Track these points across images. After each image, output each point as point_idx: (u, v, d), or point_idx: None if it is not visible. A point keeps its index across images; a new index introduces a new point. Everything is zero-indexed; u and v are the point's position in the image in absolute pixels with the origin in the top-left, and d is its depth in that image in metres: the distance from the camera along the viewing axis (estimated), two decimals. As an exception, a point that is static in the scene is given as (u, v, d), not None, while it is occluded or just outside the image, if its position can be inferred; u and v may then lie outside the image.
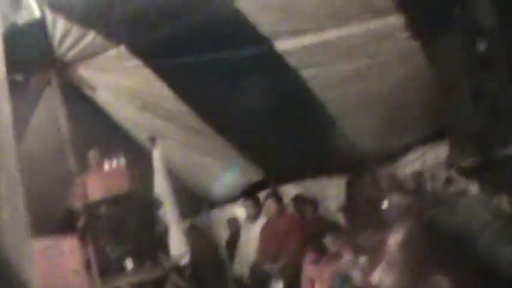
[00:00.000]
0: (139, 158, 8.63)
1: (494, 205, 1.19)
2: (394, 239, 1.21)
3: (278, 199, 8.69)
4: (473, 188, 2.79)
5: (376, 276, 1.23)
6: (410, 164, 9.17)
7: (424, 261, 1.15)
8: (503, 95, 6.73)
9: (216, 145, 9.37)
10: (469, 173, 2.74)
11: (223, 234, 10.48)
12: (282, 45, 7.45)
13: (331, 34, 7.25)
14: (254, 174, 10.03)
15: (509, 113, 6.63)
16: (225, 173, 9.93)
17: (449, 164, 6.88)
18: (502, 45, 6.85)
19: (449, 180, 7.26)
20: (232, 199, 10.35)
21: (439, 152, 8.47)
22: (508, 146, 6.08)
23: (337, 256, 6.30)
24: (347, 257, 6.13)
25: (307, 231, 8.02)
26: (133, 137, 9.22)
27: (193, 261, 8.53)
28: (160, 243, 7.97)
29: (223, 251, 10.29)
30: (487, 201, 1.23)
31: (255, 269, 8.49)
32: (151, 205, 8.01)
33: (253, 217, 9.01)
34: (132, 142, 9.19)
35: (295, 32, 7.32)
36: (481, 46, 6.71)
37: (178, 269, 8.24)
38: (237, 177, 10.04)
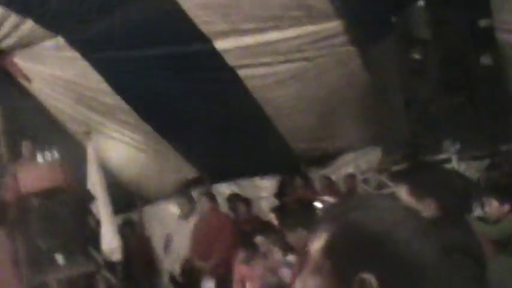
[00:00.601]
0: (73, 152, 8.52)
1: (406, 206, 1.25)
2: (317, 244, 1.23)
3: (211, 197, 8.71)
4: (402, 192, 2.88)
5: (299, 283, 1.25)
6: (343, 167, 9.35)
7: (348, 264, 1.17)
8: (434, 104, 6.96)
9: (151, 141, 9.33)
10: (398, 178, 2.85)
11: (156, 230, 10.44)
12: (221, 44, 7.47)
13: (270, 36, 7.31)
14: (189, 172, 10.02)
15: (439, 121, 6.86)
16: (159, 170, 9.90)
17: (381, 168, 7.08)
18: (435, 55, 7.08)
19: (380, 184, 7.48)
20: (166, 196, 10.30)
21: (371, 156, 8.68)
22: (437, 153, 6.32)
23: (267, 255, 6.36)
24: (276, 256, 6.19)
25: (240, 230, 8.05)
26: (68, 130, 9.07)
27: (125, 257, 8.47)
28: (92, 238, 7.89)
29: (155, 247, 10.25)
30: (398, 202, 1.28)
31: (186, 266, 8.49)
32: (84, 199, 7.92)
33: (186, 214, 8.99)
34: (67, 135, 9.03)
35: (235, 32, 7.34)
36: (415, 55, 6.91)
37: (110, 265, 8.17)
38: (171, 174, 10.02)
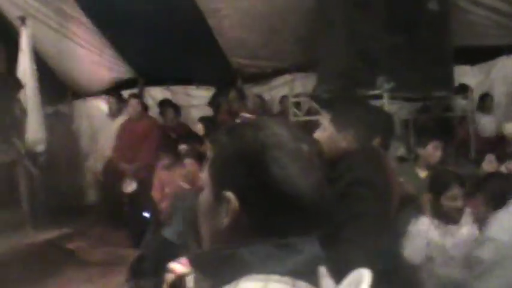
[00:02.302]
0: (5, 36, 8.26)
1: (297, 132, 1.25)
2: (208, 157, 1.29)
3: (142, 100, 8.66)
4: (325, 120, 2.90)
5: (200, 195, 1.31)
6: (278, 88, 9.41)
7: (219, 180, 1.22)
8: (375, 40, 7.00)
9: (89, 35, 9.12)
10: (325, 106, 2.87)
11: (84, 126, 10.36)
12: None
13: None
14: (124, 72, 9.89)
15: (378, 58, 6.92)
16: (94, 66, 9.73)
17: (314, 95, 7.13)
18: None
19: (310, 110, 7.55)
20: (97, 92, 10.18)
21: (307, 82, 8.75)
22: (370, 88, 6.39)
23: (187, 163, 6.42)
24: (195, 164, 6.26)
25: (166, 136, 8.06)
26: (2, 14, 8.74)
27: (49, 149, 8.39)
28: (16, 126, 7.74)
29: (81, 143, 10.20)
30: (288, 125, 1.28)
31: (109, 166, 8.50)
32: (10, 86, 7.72)
33: (114, 113, 8.93)
34: (1, 19, 8.72)
35: None
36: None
37: (32, 155, 8.07)
38: (106, 72, 9.87)
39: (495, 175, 4.44)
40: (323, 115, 2.94)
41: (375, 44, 6.89)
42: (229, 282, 1.11)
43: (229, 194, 1.17)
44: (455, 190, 4.06)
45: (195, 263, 1.28)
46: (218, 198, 1.20)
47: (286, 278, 1.11)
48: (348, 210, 2.59)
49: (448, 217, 4.10)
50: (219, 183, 1.22)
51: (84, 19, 8.73)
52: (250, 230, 1.17)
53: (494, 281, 3.33)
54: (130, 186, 7.85)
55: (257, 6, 8.19)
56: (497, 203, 3.60)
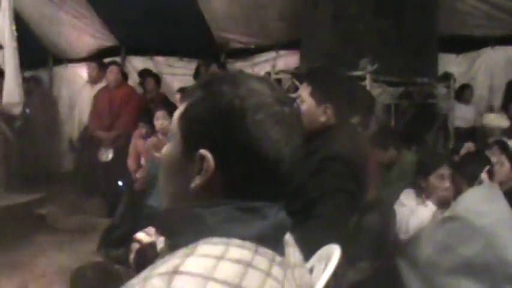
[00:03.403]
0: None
1: (280, 93, 1.18)
2: (177, 112, 1.21)
3: (121, 69, 8.55)
4: (305, 93, 2.85)
5: (165, 147, 1.24)
6: (261, 64, 9.34)
7: (192, 137, 1.14)
8: (361, 22, 6.97)
9: (73, 1, 8.98)
10: (305, 78, 2.82)
11: (63, 92, 10.25)
12: None
13: None
14: (106, 39, 9.77)
15: (363, 40, 6.90)
16: (77, 31, 9.61)
17: (295, 72, 7.10)
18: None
19: (291, 88, 7.50)
20: (78, 59, 10.06)
21: (289, 60, 8.72)
22: (353, 69, 6.36)
23: (162, 132, 6.36)
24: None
25: (144, 106, 7.99)
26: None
27: (27, 114, 8.29)
28: (-8, 87, 7.62)
29: (59, 109, 10.10)
30: (269, 83, 1.20)
31: (86, 133, 8.42)
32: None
33: (94, 80, 8.82)
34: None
35: None
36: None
37: (8, 118, 7.95)
38: (88, 38, 9.75)
39: (471, 156, 4.50)
40: (303, 87, 2.87)
41: (360, 26, 6.89)
42: (187, 243, 1.05)
43: (205, 152, 1.11)
44: (444, 170, 4.15)
45: (155, 222, 1.22)
46: (189, 156, 1.14)
47: (248, 243, 1.06)
48: (321, 185, 2.56)
49: (435, 200, 4.18)
50: (193, 140, 1.14)
51: (69, -16, 8.60)
52: (222, 191, 1.12)
53: (456, 258, 3.36)
54: (106, 155, 7.77)
55: (244, -21, 8.13)
56: (471, 182, 3.67)
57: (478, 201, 3.65)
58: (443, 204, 4.08)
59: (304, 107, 2.82)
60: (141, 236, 2.00)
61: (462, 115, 8.36)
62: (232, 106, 1.11)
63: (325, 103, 2.83)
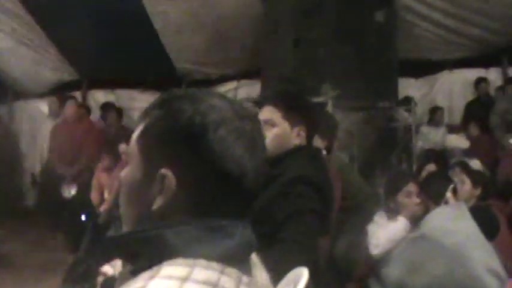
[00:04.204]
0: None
1: (239, 106, 1.17)
2: (135, 134, 1.18)
3: (83, 103, 8.50)
4: (277, 116, 2.82)
5: (123, 172, 1.20)
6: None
7: (153, 157, 1.12)
8: (322, 47, 7.03)
9: (33, 34, 8.91)
10: (273, 101, 2.82)
11: (23, 127, 10.13)
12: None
13: None
14: (67, 74, 9.70)
15: (324, 66, 6.95)
16: (37, 66, 9.52)
17: (258, 100, 7.11)
18: (332, 0, 7.14)
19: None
20: (39, 94, 9.95)
21: (251, 89, 8.76)
22: (315, 95, 6.40)
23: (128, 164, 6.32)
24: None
25: (106, 139, 7.94)
26: None
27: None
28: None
29: (21, 145, 9.97)
30: (228, 99, 1.18)
31: (47, 168, 8.31)
32: None
33: (55, 114, 8.74)
34: None
35: None
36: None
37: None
38: (49, 73, 9.67)
39: (435, 176, 4.54)
40: (270, 111, 2.83)
41: (321, 52, 6.93)
42: (150, 266, 1.02)
43: (166, 171, 1.08)
44: (411, 187, 4.18)
45: (112, 247, 1.17)
46: (150, 176, 1.11)
47: (214, 264, 1.03)
48: (289, 207, 2.54)
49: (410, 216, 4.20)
50: (153, 159, 1.12)
51: (27, 17, 8.52)
52: (186, 211, 1.09)
53: (425, 277, 3.38)
54: (69, 191, 7.68)
55: (204, 12, 8.16)
56: (438, 201, 3.70)
57: (445, 220, 3.67)
58: (415, 220, 4.10)
59: (275, 131, 2.79)
60: (106, 269, 1.96)
61: (432, 137, 8.46)
62: (193, 122, 1.09)
63: (299, 125, 2.82)
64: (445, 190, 3.93)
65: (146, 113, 1.17)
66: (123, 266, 1.26)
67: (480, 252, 3.44)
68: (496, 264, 3.41)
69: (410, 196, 4.15)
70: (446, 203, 3.88)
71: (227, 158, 1.09)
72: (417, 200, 4.12)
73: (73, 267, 6.01)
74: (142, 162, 1.14)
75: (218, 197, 1.10)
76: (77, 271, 5.92)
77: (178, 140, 1.09)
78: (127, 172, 1.18)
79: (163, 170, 1.08)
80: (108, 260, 1.96)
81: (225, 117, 1.11)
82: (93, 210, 6.80)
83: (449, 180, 4.17)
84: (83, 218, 7.06)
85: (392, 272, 3.73)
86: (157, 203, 1.10)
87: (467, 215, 3.69)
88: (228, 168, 1.09)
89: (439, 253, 3.47)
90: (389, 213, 4.29)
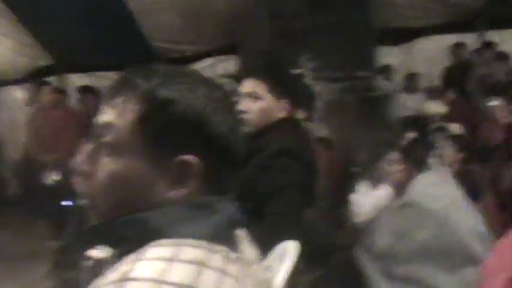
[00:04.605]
0: None
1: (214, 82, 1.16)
2: (123, 119, 1.10)
3: (60, 88, 8.40)
4: (261, 89, 2.80)
5: (105, 164, 1.11)
6: (200, 72, 9.33)
7: (163, 143, 1.06)
8: (298, 19, 7.01)
9: (5, 20, 8.77)
10: (257, 74, 2.79)
11: (2, 115, 10.03)
12: None
13: None
14: (43, 59, 9.59)
15: (300, 37, 6.94)
16: (12, 52, 9.40)
17: (237, 75, 7.08)
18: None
19: (234, 91, 7.49)
20: (15, 81, 9.84)
21: (229, 64, 8.74)
22: (293, 68, 6.38)
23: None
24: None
25: (87, 124, 7.86)
26: None
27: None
28: None
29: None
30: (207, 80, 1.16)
31: (27, 156, 8.23)
32: None
33: (32, 101, 8.63)
34: None
35: None
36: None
37: None
38: (25, 59, 9.56)
39: (416, 142, 4.56)
40: (253, 84, 2.80)
41: (297, 24, 6.92)
42: (135, 249, 0.99)
43: (188, 158, 1.05)
44: (393, 155, 4.21)
45: (96, 234, 1.13)
46: (159, 166, 1.06)
47: (202, 242, 1.01)
48: (272, 181, 2.53)
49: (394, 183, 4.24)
50: (165, 147, 1.06)
51: (0, 5, 8.37)
52: (205, 194, 1.08)
53: (412, 244, 3.39)
54: (50, 178, 7.62)
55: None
56: (421, 167, 3.71)
57: (429, 186, 3.69)
58: (398, 188, 4.12)
59: (261, 104, 2.76)
60: (93, 253, 1.93)
61: (410, 104, 8.48)
62: (196, 103, 1.08)
63: (284, 98, 2.80)
64: (428, 156, 3.94)
65: (147, 96, 1.09)
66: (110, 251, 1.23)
67: (465, 216, 3.47)
68: (481, 227, 3.43)
69: (392, 164, 4.18)
70: (430, 168, 3.89)
71: (225, 133, 1.09)
72: (400, 167, 4.15)
73: (59, 254, 6.00)
74: (150, 152, 1.07)
75: (226, 175, 1.11)
76: (63, 258, 5.91)
77: (190, 125, 1.06)
78: (115, 165, 1.09)
79: (183, 157, 1.05)
80: (93, 246, 1.93)
81: (210, 94, 1.10)
82: (76, 197, 6.74)
83: (431, 146, 4.19)
84: (66, 204, 7.02)
85: (380, 240, 3.75)
86: (179, 191, 1.06)
87: (451, 180, 3.71)
88: (226, 143, 1.09)
89: (424, 219, 3.48)
90: (372, 181, 4.31)
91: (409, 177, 3.94)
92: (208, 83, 1.13)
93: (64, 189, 7.13)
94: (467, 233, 3.37)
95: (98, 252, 1.96)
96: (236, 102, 2.76)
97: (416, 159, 3.99)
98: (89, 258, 1.98)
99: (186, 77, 1.11)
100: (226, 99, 1.14)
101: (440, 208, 3.46)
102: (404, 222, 3.59)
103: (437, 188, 3.64)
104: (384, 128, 7.65)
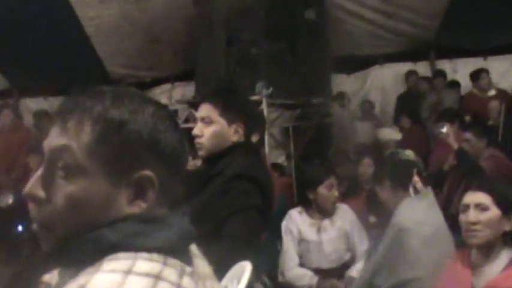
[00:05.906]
0: None
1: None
2: (75, 143, 1.09)
3: (15, 111, 8.32)
4: (214, 114, 2.81)
5: (62, 189, 1.09)
6: (157, 97, 9.30)
7: (120, 162, 1.09)
8: (254, 46, 7.09)
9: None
10: (209, 98, 2.81)
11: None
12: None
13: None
14: (-2, 83, 9.49)
15: (257, 64, 7.00)
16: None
17: (193, 101, 7.11)
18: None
19: (189, 117, 7.49)
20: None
21: (186, 90, 8.76)
22: (249, 94, 6.43)
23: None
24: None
25: (41, 148, 7.77)
26: None
27: None
28: None
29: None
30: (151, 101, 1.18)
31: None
32: None
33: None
34: None
35: None
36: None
37: None
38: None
39: (400, 161, 4.25)
40: (206, 109, 2.83)
41: (254, 51, 6.99)
42: (91, 264, 1.01)
43: (145, 173, 1.08)
44: (332, 179, 4.30)
45: (53, 258, 1.14)
46: (117, 184, 1.08)
47: (155, 255, 1.03)
48: (230, 204, 2.56)
49: (323, 211, 4.34)
50: (121, 166, 1.08)
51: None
52: (161, 208, 1.11)
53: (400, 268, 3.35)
54: (5, 200, 7.50)
55: (135, 14, 8.10)
56: (405, 187, 3.58)
57: (416, 211, 3.53)
58: (326, 213, 4.33)
59: (214, 128, 2.80)
60: (47, 277, 1.93)
61: (363, 131, 8.58)
62: (149, 124, 1.11)
63: (237, 122, 2.83)
64: (412, 173, 3.69)
65: (98, 117, 1.10)
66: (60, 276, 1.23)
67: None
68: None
69: (331, 189, 4.28)
70: (415, 187, 3.66)
71: (174, 149, 1.13)
72: (337, 194, 4.30)
73: (13, 278, 5.87)
74: (107, 172, 1.09)
75: (175, 187, 1.14)
76: (17, 284, 5.79)
77: (145, 140, 1.10)
78: (73, 189, 1.09)
79: (142, 173, 1.09)
80: (49, 269, 1.92)
81: (157, 112, 1.14)
82: (30, 220, 6.64)
83: (414, 164, 3.93)
84: (20, 228, 6.90)
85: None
86: (137, 206, 1.09)
87: (436, 205, 3.63)
88: (176, 157, 1.14)
89: (412, 243, 3.34)
90: (305, 208, 4.38)
91: (396, 200, 3.71)
92: (153, 102, 1.17)
93: (17, 213, 7.02)
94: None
95: (53, 277, 1.96)
96: (192, 127, 2.81)
97: (400, 179, 3.72)
98: (45, 283, 1.97)
99: (133, 97, 1.14)
100: (171, 116, 1.18)
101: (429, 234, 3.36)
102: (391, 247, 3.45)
103: (425, 214, 3.52)
104: (339, 155, 7.74)
